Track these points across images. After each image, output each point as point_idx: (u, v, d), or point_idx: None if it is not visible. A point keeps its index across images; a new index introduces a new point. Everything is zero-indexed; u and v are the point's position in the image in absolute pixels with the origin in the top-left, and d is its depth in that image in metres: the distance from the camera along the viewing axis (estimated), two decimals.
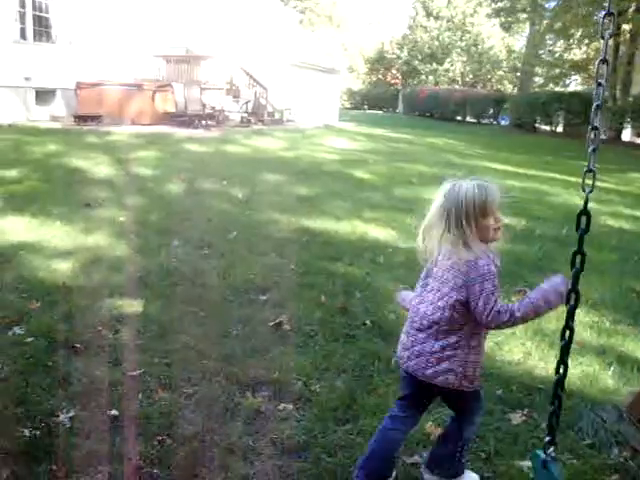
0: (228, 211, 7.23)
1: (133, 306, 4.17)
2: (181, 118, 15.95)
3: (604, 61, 1.55)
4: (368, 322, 4.16)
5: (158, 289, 4.51)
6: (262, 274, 5.00)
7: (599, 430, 3.01)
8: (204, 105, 16.38)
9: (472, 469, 2.59)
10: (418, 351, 2.31)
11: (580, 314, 4.59)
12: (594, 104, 1.58)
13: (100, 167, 9.27)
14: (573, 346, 3.92)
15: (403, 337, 2.45)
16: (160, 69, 18.06)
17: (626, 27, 25.20)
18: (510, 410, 3.14)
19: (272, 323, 4.03)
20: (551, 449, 1.59)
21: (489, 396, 3.14)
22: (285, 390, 3.23)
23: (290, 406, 3.07)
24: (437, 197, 2.26)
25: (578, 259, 1.60)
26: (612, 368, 3.76)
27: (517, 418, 3.06)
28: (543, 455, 1.60)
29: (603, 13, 1.57)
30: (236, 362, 3.48)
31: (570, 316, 1.64)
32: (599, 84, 1.57)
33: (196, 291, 4.55)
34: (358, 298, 4.61)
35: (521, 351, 3.87)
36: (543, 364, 3.69)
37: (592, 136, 1.60)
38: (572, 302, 1.65)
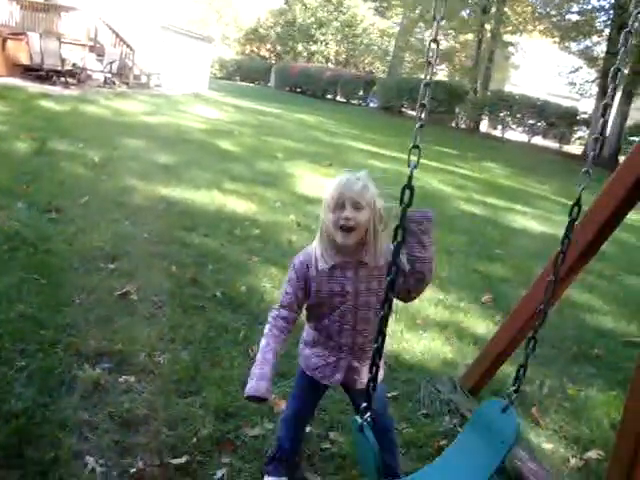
0: (82, 175, 6.84)
1: None
2: (37, 72, 14.77)
3: (435, 40, 1.60)
4: (218, 294, 4.14)
5: None
6: (112, 242, 4.81)
7: (434, 400, 3.24)
8: (63, 60, 15.28)
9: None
10: None
11: (427, 292, 4.84)
12: (423, 82, 1.61)
13: None
14: (417, 322, 4.20)
15: None
16: (13, 14, 16.47)
17: (487, 26, 26.77)
18: None
19: (119, 293, 3.90)
20: (367, 414, 1.69)
21: None
22: (128, 362, 3.15)
23: (132, 378, 3.00)
24: None
25: (399, 233, 1.65)
26: (452, 343, 4.04)
27: None
28: (360, 420, 1.70)
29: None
30: (77, 332, 3.34)
31: (389, 288, 1.68)
32: (429, 63, 1.60)
33: (38, 257, 4.28)
34: (210, 269, 4.57)
35: None
36: (388, 339, 3.85)
37: (420, 114, 1.63)
38: (392, 276, 1.67)
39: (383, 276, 2.03)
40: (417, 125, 1.63)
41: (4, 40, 14.64)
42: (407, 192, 1.63)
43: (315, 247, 2.12)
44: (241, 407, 2.86)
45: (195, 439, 2.61)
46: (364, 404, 1.72)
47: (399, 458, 2.52)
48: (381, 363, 2.11)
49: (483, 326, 4.45)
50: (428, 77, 1.60)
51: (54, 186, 6.11)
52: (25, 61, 14.82)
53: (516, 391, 1.96)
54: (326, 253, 2.09)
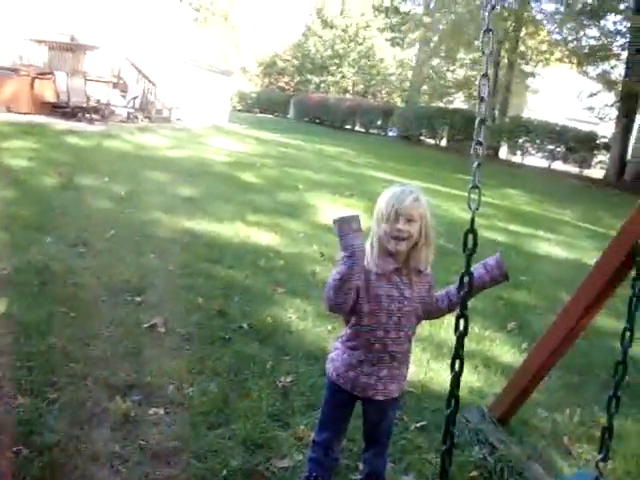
0: (107, 209, 6.97)
1: None
2: (63, 109, 15.11)
3: (485, 75, 1.49)
4: (245, 325, 4.17)
5: (25, 288, 4.26)
6: (139, 275, 4.87)
7: (463, 430, 3.20)
8: (88, 97, 15.63)
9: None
10: None
11: (452, 320, 4.83)
12: (477, 119, 1.50)
13: None
14: (444, 351, 4.16)
15: None
16: (42, 56, 16.97)
17: (505, 54, 26.93)
18: None
19: (146, 325, 3.95)
20: None
21: None
22: (157, 394, 3.17)
23: (161, 410, 3.02)
24: None
25: (466, 280, 1.53)
26: (479, 372, 4.01)
27: None
28: None
29: (483, 30, 1.52)
30: (106, 365, 3.37)
31: (460, 345, 1.56)
32: (482, 99, 1.49)
33: (67, 290, 4.36)
34: (236, 301, 4.61)
35: None
36: (415, 368, 3.84)
37: (477, 151, 1.52)
38: (461, 328, 1.58)
39: (430, 284, 2.24)
40: (475, 164, 1.54)
41: (33, 80, 15.03)
42: (470, 236, 1.55)
43: (368, 255, 2.15)
44: (270, 438, 2.87)
45: (225, 471, 2.61)
46: None
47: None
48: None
49: (509, 354, 4.42)
50: (482, 113, 1.51)
51: (81, 220, 6.23)
52: (52, 99, 15.18)
53: (604, 459, 1.83)
54: (379, 260, 2.15)
